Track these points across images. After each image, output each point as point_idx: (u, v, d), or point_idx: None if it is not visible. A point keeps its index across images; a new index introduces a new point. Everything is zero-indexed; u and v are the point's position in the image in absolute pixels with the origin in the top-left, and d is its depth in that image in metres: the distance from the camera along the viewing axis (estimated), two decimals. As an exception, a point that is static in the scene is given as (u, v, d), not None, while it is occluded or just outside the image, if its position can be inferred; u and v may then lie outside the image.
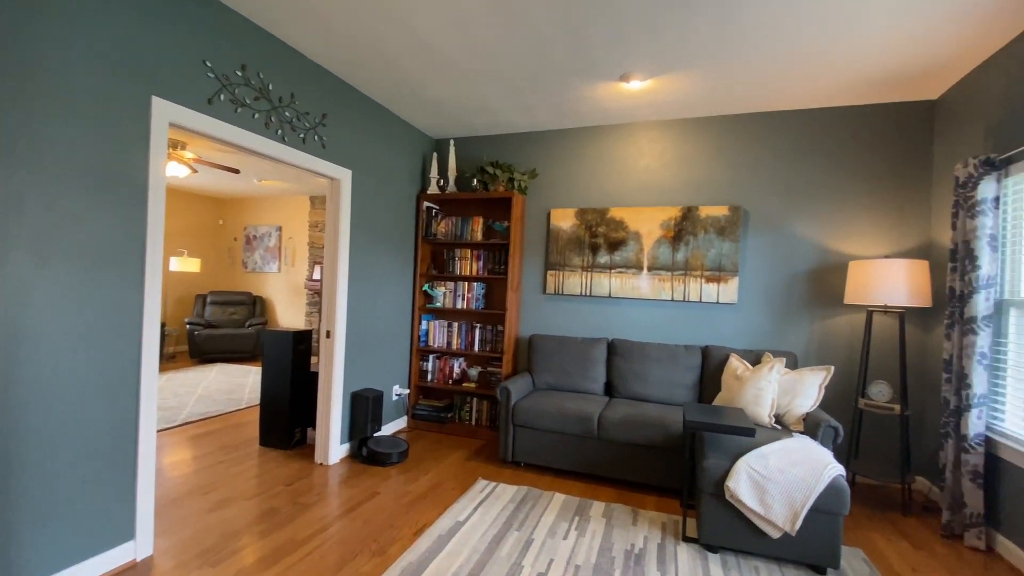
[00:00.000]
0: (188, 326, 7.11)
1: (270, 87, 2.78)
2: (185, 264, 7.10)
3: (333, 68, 3.21)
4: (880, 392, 3.18)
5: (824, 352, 3.55)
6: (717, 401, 3.37)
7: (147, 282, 2.19)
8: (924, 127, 3.37)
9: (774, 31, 2.60)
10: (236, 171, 5.48)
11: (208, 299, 7.69)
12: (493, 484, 3.15)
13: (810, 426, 2.96)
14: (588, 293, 4.10)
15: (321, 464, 3.41)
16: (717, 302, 3.75)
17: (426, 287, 4.41)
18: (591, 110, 3.80)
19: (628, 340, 3.82)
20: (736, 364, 3.37)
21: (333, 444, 3.45)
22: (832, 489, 2.25)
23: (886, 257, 3.29)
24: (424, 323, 4.45)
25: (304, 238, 8.01)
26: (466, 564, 2.25)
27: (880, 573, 2.31)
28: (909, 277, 2.99)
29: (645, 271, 3.93)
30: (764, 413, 3.09)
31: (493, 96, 3.60)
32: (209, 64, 2.44)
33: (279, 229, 8.11)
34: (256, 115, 2.71)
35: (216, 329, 7.26)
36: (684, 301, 3.84)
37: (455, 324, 4.37)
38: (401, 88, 3.51)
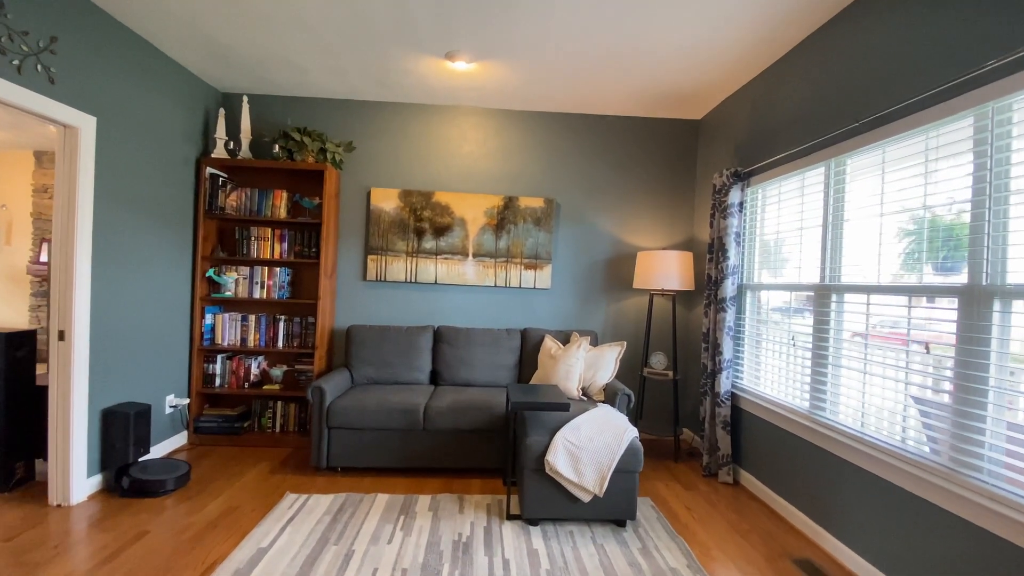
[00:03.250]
0: None
1: (-57, -23, 1.90)
2: None
3: (62, -26, 2.37)
4: (659, 361, 3.77)
5: (618, 330, 4.06)
6: (534, 379, 3.57)
7: None
8: (690, 142, 4.07)
9: (582, 32, 2.79)
10: None
11: None
12: (304, 497, 2.79)
13: (609, 395, 3.34)
14: (414, 279, 3.93)
15: (59, 506, 2.57)
16: (534, 287, 3.97)
17: (211, 273, 3.66)
18: (414, 85, 3.60)
19: (454, 326, 3.79)
20: (550, 344, 3.62)
21: (76, 478, 2.62)
22: (630, 450, 2.56)
23: (663, 249, 3.89)
24: (209, 317, 3.71)
25: (27, 207, 5.96)
26: (273, 597, 1.92)
27: (664, 516, 2.73)
28: (680, 266, 3.59)
29: (471, 257, 3.93)
30: (574, 387, 3.38)
31: (298, 50, 3.12)
32: None
33: (-22, 193, 5.87)
34: (-85, 15, 1.82)
35: None
36: (506, 287, 3.97)
37: (252, 317, 3.74)
38: (171, 21, 2.79)
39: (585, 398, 3.43)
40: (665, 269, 3.57)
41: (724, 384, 3.24)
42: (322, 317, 3.65)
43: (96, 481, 2.77)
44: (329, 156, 3.73)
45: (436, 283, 3.94)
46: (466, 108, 3.96)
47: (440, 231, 3.93)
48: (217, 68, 3.41)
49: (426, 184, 3.98)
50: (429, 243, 3.93)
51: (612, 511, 2.56)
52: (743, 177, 3.24)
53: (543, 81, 3.43)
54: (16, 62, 2.16)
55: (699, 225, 3.97)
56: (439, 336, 3.76)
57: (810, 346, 2.68)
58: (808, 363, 2.70)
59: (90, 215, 2.65)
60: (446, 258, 3.93)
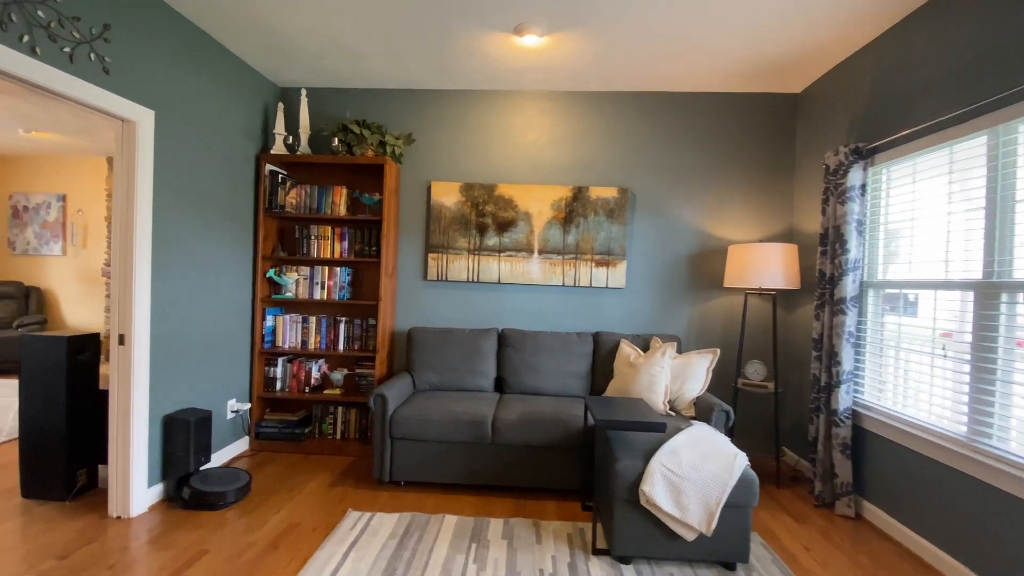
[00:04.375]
0: (-92, 331, 5.04)
1: (-4, -39, 1.78)
2: (-102, 243, 4.98)
3: (118, -41, 2.25)
4: (756, 371, 3.29)
5: (704, 335, 3.60)
6: (611, 390, 3.20)
7: None
8: (788, 119, 3.55)
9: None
10: (-24, 111, 3.87)
11: (-54, 292, 5.56)
12: (368, 515, 2.57)
13: (701, 410, 2.92)
14: (475, 279, 3.65)
15: (119, 518, 2.47)
16: (606, 287, 3.59)
17: (271, 273, 3.54)
18: (476, 68, 3.31)
19: (520, 329, 3.48)
20: (628, 351, 3.23)
21: (136, 488, 2.52)
22: (744, 482, 2.15)
23: (760, 241, 3.41)
24: (269, 319, 3.59)
25: (101, 211, 6.22)
26: (336, 643, 1.67)
27: (780, 558, 2.29)
28: (783, 261, 3.10)
29: (536, 254, 3.61)
30: (659, 400, 2.98)
31: (355, 34, 2.91)
32: None
33: (62, 199, 6.18)
34: (-31, 1, 1.70)
35: (-41, 333, 5.27)
36: (574, 286, 3.61)
37: (312, 319, 3.59)
38: (226, 8, 2.64)
39: (672, 413, 3.02)
40: (764, 265, 3.09)
41: (843, 400, 2.74)
42: (383, 319, 3.45)
43: (157, 491, 2.67)
44: (389, 149, 3.52)
45: (499, 282, 3.65)
46: (532, 92, 3.64)
47: (503, 226, 3.63)
48: (275, 60, 3.27)
49: (488, 176, 3.69)
50: (492, 240, 3.64)
51: (720, 551, 2.15)
52: (865, 155, 2.72)
53: (621, 56, 3.05)
54: (67, 49, 2.04)
55: (801, 213, 3.45)
56: (504, 340, 3.46)
57: (968, 357, 2.17)
58: (966, 377, 2.18)
59: (149, 214, 2.54)
60: (510, 255, 3.63)
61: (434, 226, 3.68)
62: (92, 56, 2.16)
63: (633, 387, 3.04)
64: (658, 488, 2.12)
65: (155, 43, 2.53)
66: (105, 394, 2.80)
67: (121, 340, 2.50)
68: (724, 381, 3.59)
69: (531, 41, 2.88)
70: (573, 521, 2.59)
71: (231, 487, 2.67)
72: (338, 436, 3.60)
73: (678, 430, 2.55)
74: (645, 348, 3.33)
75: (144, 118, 2.48)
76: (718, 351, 3.10)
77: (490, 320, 3.69)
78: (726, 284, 3.30)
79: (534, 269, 3.61)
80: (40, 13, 1.90)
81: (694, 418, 2.97)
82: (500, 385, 3.52)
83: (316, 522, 2.50)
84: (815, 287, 3.12)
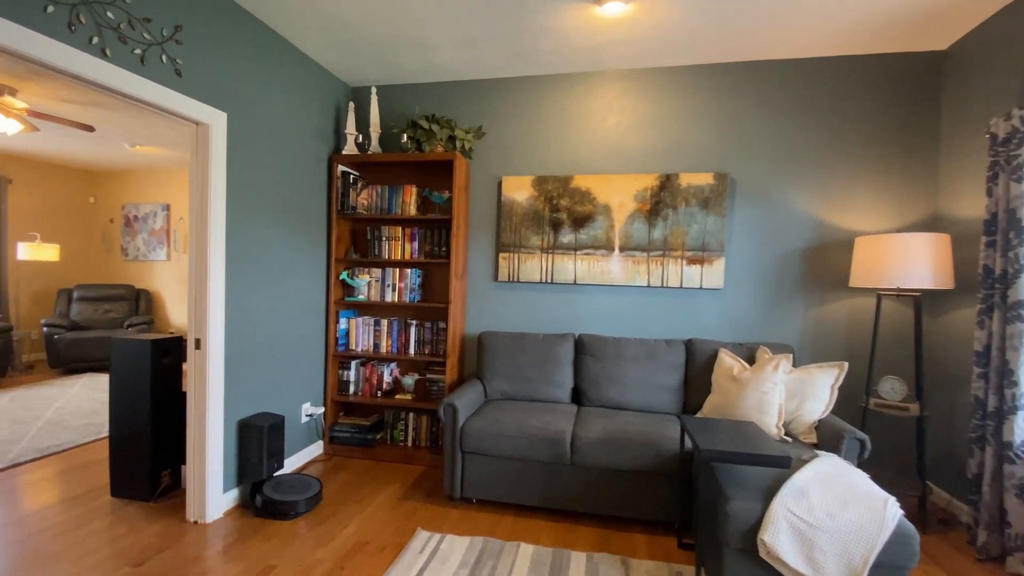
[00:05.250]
0: (45, 329, 5.66)
1: (69, -36, 1.76)
2: (38, 252, 5.61)
3: (189, -41, 2.21)
4: (892, 389, 2.71)
5: (822, 344, 3.06)
6: (709, 407, 2.77)
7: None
8: (930, 82, 2.91)
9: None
10: (90, 128, 4.20)
11: (75, 294, 6.21)
12: (437, 536, 2.37)
13: (825, 437, 2.43)
14: (549, 279, 3.37)
15: (196, 523, 2.47)
16: (700, 287, 3.15)
17: (344, 275, 3.48)
18: (552, 48, 3.02)
19: (599, 335, 3.14)
20: (730, 362, 2.79)
21: (212, 494, 2.50)
22: (899, 537, 1.68)
23: (898, 231, 2.82)
24: (343, 321, 3.53)
25: (200, 219, 6.65)
26: None
27: (947, 636, 1.79)
28: (931, 254, 2.51)
29: (616, 252, 3.26)
30: (771, 422, 2.53)
31: (424, 22, 2.73)
32: None
33: (166, 208, 6.70)
34: (51, 7, 1.69)
35: (84, 332, 5.84)
36: (662, 287, 3.21)
37: (384, 322, 3.49)
38: (295, 4, 2.55)
39: (788, 439, 2.55)
40: (905, 260, 2.52)
41: (1021, 430, 2.14)
42: (453, 322, 3.26)
43: (232, 497, 2.65)
44: (458, 144, 3.33)
45: (575, 283, 3.33)
46: (612, 72, 3.29)
47: (580, 222, 3.31)
48: (345, 57, 3.19)
49: (563, 168, 3.39)
50: (567, 237, 3.33)
51: (865, 624, 1.70)
52: (1059, 115, 2.10)
53: (716, 21, 2.62)
54: (138, 51, 2.01)
55: (951, 195, 2.81)
56: (581, 346, 3.14)
57: None
58: None
59: (223, 218, 2.52)
60: (587, 254, 3.30)
61: (505, 224, 3.44)
62: (164, 58, 2.14)
63: (738, 406, 2.60)
64: (783, 539, 1.71)
65: (226, 43, 2.49)
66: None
67: (197, 344, 2.49)
68: (848, 400, 3.02)
69: (614, 9, 2.54)
70: (668, 562, 2.22)
71: (302, 496, 2.59)
72: (409, 443, 3.47)
73: (801, 463, 2.10)
74: (750, 359, 2.87)
75: (216, 120, 2.45)
76: (845, 365, 2.58)
77: (565, 325, 3.39)
78: (852, 284, 2.76)
79: (615, 268, 3.26)
80: (109, 14, 1.87)
81: (816, 446, 2.48)
82: (577, 396, 3.21)
83: (384, 541, 2.34)
84: (977, 287, 2.50)
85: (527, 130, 3.43)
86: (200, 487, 2.48)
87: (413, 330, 3.45)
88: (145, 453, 2.65)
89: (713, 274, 3.13)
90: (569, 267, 3.33)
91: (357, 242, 3.70)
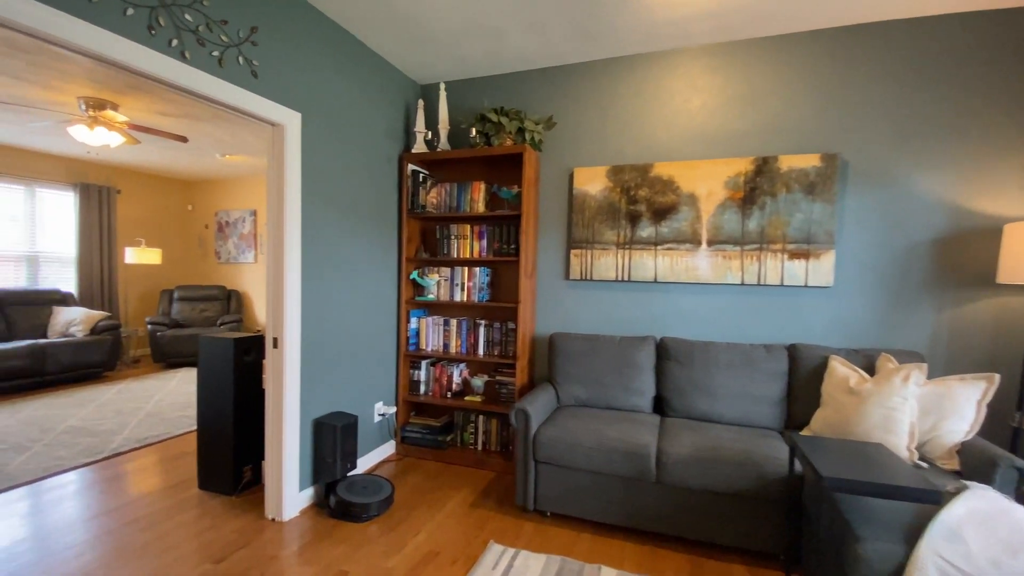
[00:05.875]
0: (149, 326, 6.19)
1: (152, -31, 1.79)
2: (143, 255, 6.15)
3: (263, -41, 2.21)
4: (1061, 409, 2.21)
5: (960, 353, 2.58)
6: (819, 423, 2.41)
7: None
8: (1110, 29, 2.35)
9: None
10: (183, 139, 4.49)
11: (175, 295, 6.75)
12: (511, 552, 2.22)
13: (972, 463, 2.01)
14: (626, 277, 3.12)
15: (273, 520, 2.49)
16: (805, 285, 2.77)
17: (414, 275, 3.44)
18: (629, 26, 2.78)
19: (684, 339, 2.86)
20: (844, 371, 2.41)
21: (288, 492, 2.51)
22: (1106, 607, 1.30)
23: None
24: (413, 321, 3.49)
25: (281, 223, 7.01)
26: None
27: None
28: (1120, 242, 2.00)
29: (704, 246, 2.95)
30: (901, 443, 2.13)
31: (490, 4, 2.59)
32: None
33: (253, 213, 7.13)
34: (130, 10, 1.72)
35: (183, 329, 6.33)
36: (758, 285, 2.86)
37: (453, 321, 3.41)
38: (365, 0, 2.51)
39: (923, 464, 2.15)
40: (1083, 249, 2.04)
41: None
42: (523, 323, 3.11)
43: (308, 495, 2.66)
44: (527, 136, 3.17)
45: (656, 281, 3.06)
46: (696, 48, 2.98)
47: (661, 214, 3.04)
48: (413, 53, 3.13)
49: (641, 156, 3.12)
50: (646, 230, 3.07)
51: None
52: None
53: (831, -28, 2.26)
54: (216, 54, 2.03)
55: None
56: (664, 351, 2.87)
57: None
58: None
59: (298, 218, 2.52)
60: (669, 248, 3.02)
61: (577, 218, 3.24)
62: (240, 60, 2.15)
63: (856, 423, 2.23)
64: (938, 595, 1.39)
65: (299, 44, 2.49)
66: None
67: (275, 343, 2.51)
68: (994, 419, 2.52)
69: (704, -27, 2.26)
70: (776, 603, 1.93)
71: (374, 499, 2.54)
72: (479, 447, 3.36)
73: (948, 496, 1.73)
74: (868, 369, 2.47)
75: (291, 121, 2.46)
76: (996, 377, 2.13)
77: (645, 326, 3.12)
78: (1001, 280, 2.29)
79: (702, 264, 2.95)
80: (188, 17, 1.89)
81: (959, 474, 2.07)
82: (659, 405, 2.94)
83: (456, 552, 2.23)
84: None
85: (600, 118, 3.20)
86: (277, 486, 2.50)
87: (482, 330, 3.34)
88: (228, 449, 2.73)
89: (820, 270, 2.74)
90: (648, 264, 3.07)
91: (427, 241, 3.65)
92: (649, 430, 2.50)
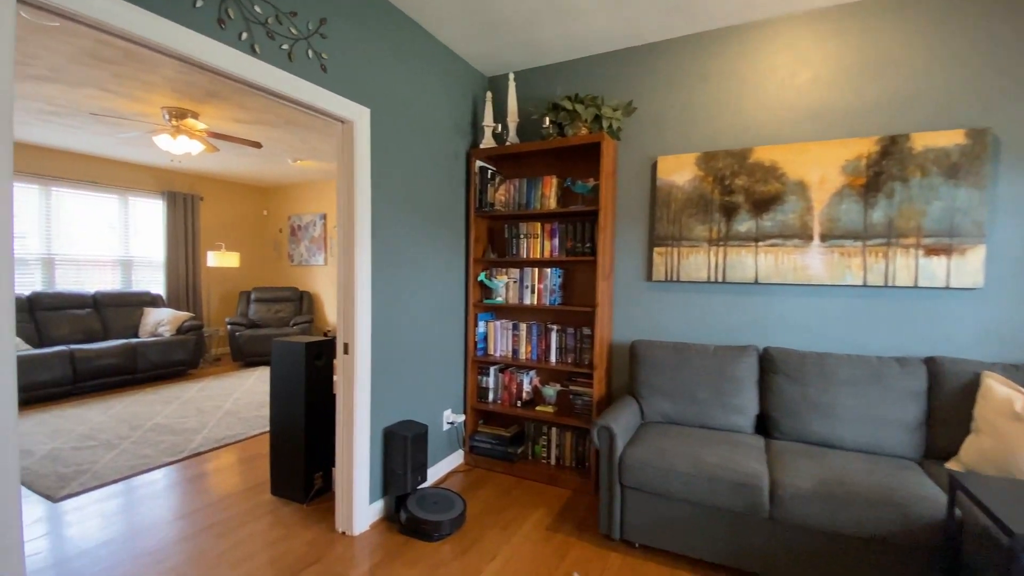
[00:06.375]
0: (229, 327, 6.48)
1: (221, -40, 1.71)
2: (223, 259, 6.44)
3: (331, -54, 2.10)
4: None
5: None
6: (973, 454, 1.98)
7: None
8: None
9: None
10: (258, 145, 4.60)
11: (252, 296, 7.04)
12: (597, 589, 1.98)
13: None
14: (720, 278, 2.78)
15: (344, 534, 2.39)
16: (945, 287, 2.32)
17: (482, 277, 3.27)
18: (726, -6, 2.45)
19: (794, 350, 2.48)
20: (1005, 391, 1.96)
21: (359, 505, 2.41)
22: None
23: None
24: (481, 325, 3.32)
25: (348, 225, 7.13)
26: None
27: None
28: None
29: (816, 241, 2.55)
30: (1100, 490, 1.68)
31: (574, -19, 2.35)
32: None
33: (323, 217, 7.31)
34: (199, 2, 1.64)
35: (259, 329, 6.58)
36: (885, 286, 2.44)
37: (523, 326, 3.20)
38: (436, -20, 2.35)
39: None
40: None
41: None
42: (600, 328, 2.85)
43: (378, 508, 2.55)
44: (605, 124, 2.90)
45: (756, 282, 2.70)
46: (803, 15, 2.59)
47: (762, 205, 2.67)
48: (483, 42, 2.96)
49: (737, 140, 2.77)
50: (744, 224, 2.71)
51: None
52: None
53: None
54: (286, 47, 1.93)
55: None
56: (769, 363, 2.51)
57: None
58: None
59: (368, 219, 2.41)
60: (773, 244, 2.65)
61: (660, 213, 2.93)
62: (310, 53, 2.05)
63: (1028, 456, 1.79)
64: None
65: (367, 36, 2.38)
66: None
67: (345, 349, 2.41)
68: None
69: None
70: None
71: (447, 516, 2.38)
72: (552, 461, 3.14)
73: None
74: (1039, 388, 2.00)
75: (360, 117, 2.35)
76: None
77: (742, 334, 2.77)
78: None
79: (813, 262, 2.56)
80: (257, 9, 1.80)
81: None
82: (764, 425, 2.58)
83: (535, 584, 2.02)
84: None
85: (688, 98, 2.88)
86: (348, 498, 2.39)
87: (554, 336, 3.11)
88: (299, 456, 2.67)
89: (965, 268, 2.28)
90: (748, 262, 2.71)
91: (494, 241, 3.47)
92: (755, 456, 2.16)
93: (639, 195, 3.03)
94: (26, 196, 5.25)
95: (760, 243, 2.68)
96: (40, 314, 5.05)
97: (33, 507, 2.59)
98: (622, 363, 3.09)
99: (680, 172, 2.87)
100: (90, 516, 2.51)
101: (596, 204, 2.92)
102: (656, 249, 2.95)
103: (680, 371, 2.64)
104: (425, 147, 2.83)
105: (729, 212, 2.75)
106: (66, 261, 5.58)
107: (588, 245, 2.97)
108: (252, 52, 1.81)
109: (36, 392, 4.48)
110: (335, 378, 2.81)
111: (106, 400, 4.66)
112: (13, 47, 1.21)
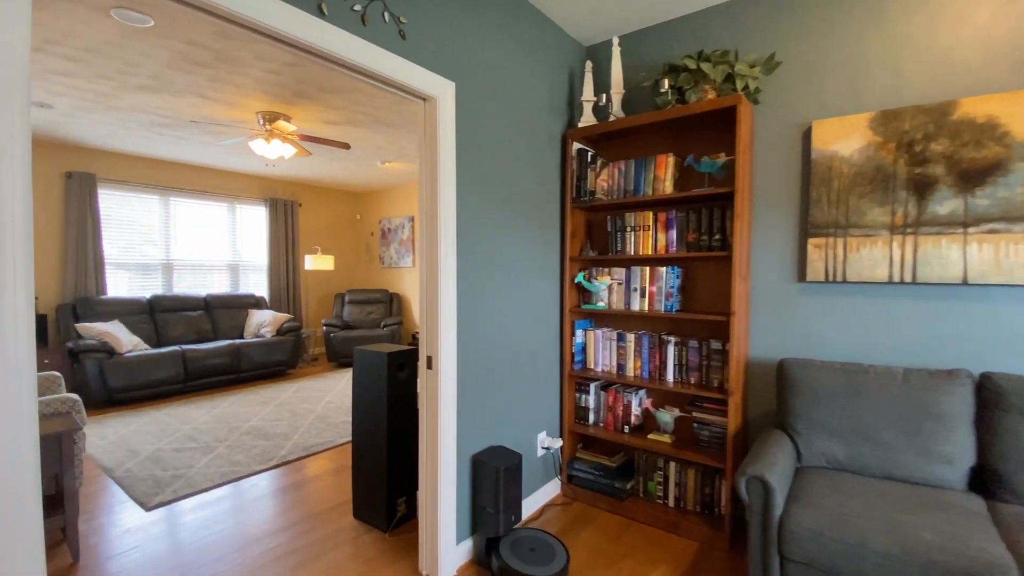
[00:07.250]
0: (324, 328, 6.62)
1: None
2: (319, 262, 6.59)
3: None
4: None
5: None
6: None
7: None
8: None
9: None
10: (346, 146, 4.52)
11: (346, 298, 7.17)
12: None
13: None
14: (907, 277, 2.08)
15: (427, 576, 2.06)
16: None
17: (580, 278, 2.80)
18: None
19: (1040, 379, 1.74)
20: None
21: (444, 547, 2.06)
22: None
23: None
24: (579, 333, 2.87)
25: (435, 226, 7.02)
26: None
27: None
28: None
29: (1073, 224, 1.79)
30: None
31: None
32: None
33: (411, 219, 7.27)
34: (257, -43, 1.36)
35: (352, 330, 6.65)
36: None
37: (630, 336, 2.70)
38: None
39: None
40: None
41: None
42: (737, 342, 2.26)
43: (465, 549, 2.19)
44: (740, 84, 2.31)
45: (965, 283, 1.97)
46: (1046, -97, 1.83)
47: (973, 177, 1.94)
48: (581, 9, 2.50)
49: (932, 92, 2.05)
50: (946, 204, 1.99)
51: None
52: None
53: None
54: (358, 8, 1.62)
55: None
56: (993, 395, 1.79)
57: None
58: None
59: (453, 212, 2.06)
60: (991, 232, 1.91)
61: (818, 193, 2.28)
62: (386, 16, 1.73)
63: None
64: None
65: (452, -4, 2.03)
66: (419, 418, 2.52)
67: (429, 363, 2.08)
68: None
69: None
70: None
71: (548, 571, 1.96)
72: (671, 502, 2.60)
73: None
74: None
75: (445, 92, 2.00)
76: None
77: (944, 355, 2.04)
78: None
79: (1064, 255, 1.79)
80: (324, -43, 1.50)
81: None
82: (981, 479, 1.86)
83: None
84: None
85: (852, 44, 2.21)
86: (432, 536, 2.06)
87: (671, 350, 2.56)
88: (382, 479, 2.40)
89: None
90: (951, 255, 1.99)
91: (594, 236, 3.00)
92: (980, 526, 1.50)
93: (784, 172, 2.40)
94: (149, 206, 5.67)
95: (971, 229, 1.95)
96: (159, 316, 5.41)
97: (128, 514, 2.56)
98: (761, 385, 2.47)
99: (845, 139, 2.20)
100: (176, 529, 2.43)
101: (730, 185, 2.34)
102: (812, 240, 2.30)
103: (853, 401, 1.99)
104: (515, 128, 2.44)
105: (921, 189, 2.04)
106: (183, 265, 5.98)
107: (718, 237, 2.39)
108: (319, 13, 1.52)
109: (153, 390, 4.76)
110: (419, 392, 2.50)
111: (212, 399, 4.84)
112: (29, 29, 0.97)
